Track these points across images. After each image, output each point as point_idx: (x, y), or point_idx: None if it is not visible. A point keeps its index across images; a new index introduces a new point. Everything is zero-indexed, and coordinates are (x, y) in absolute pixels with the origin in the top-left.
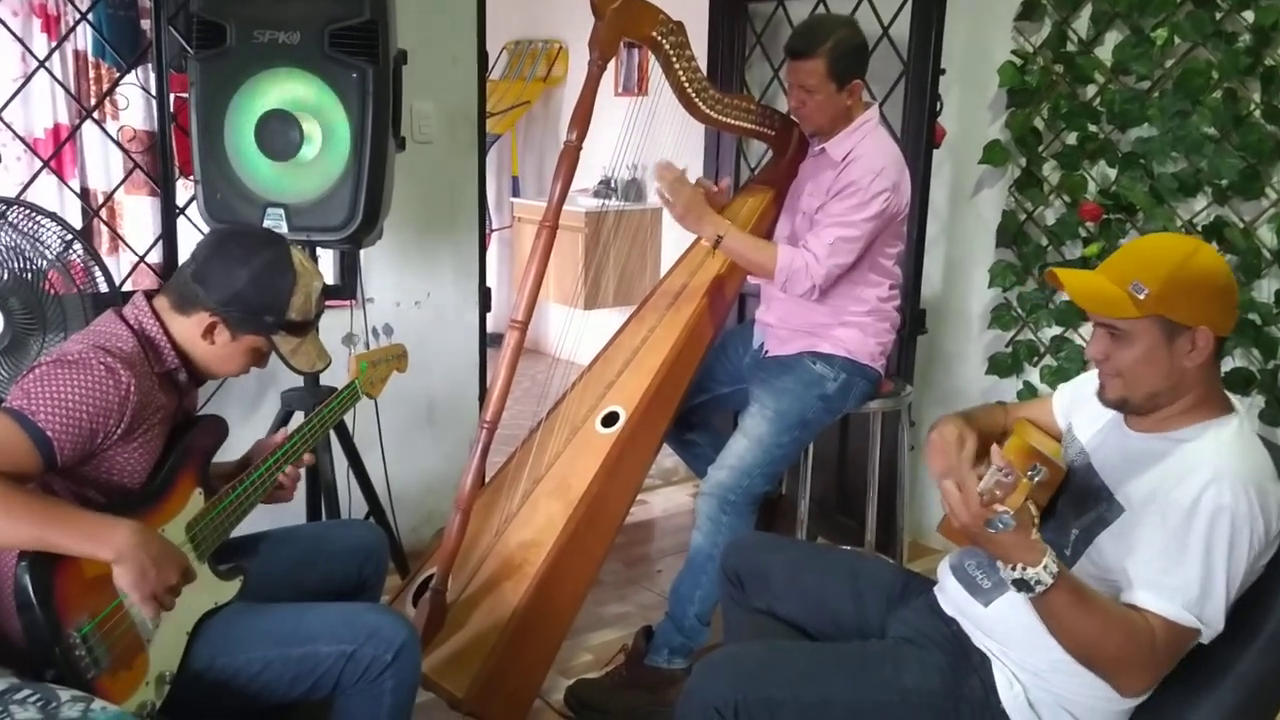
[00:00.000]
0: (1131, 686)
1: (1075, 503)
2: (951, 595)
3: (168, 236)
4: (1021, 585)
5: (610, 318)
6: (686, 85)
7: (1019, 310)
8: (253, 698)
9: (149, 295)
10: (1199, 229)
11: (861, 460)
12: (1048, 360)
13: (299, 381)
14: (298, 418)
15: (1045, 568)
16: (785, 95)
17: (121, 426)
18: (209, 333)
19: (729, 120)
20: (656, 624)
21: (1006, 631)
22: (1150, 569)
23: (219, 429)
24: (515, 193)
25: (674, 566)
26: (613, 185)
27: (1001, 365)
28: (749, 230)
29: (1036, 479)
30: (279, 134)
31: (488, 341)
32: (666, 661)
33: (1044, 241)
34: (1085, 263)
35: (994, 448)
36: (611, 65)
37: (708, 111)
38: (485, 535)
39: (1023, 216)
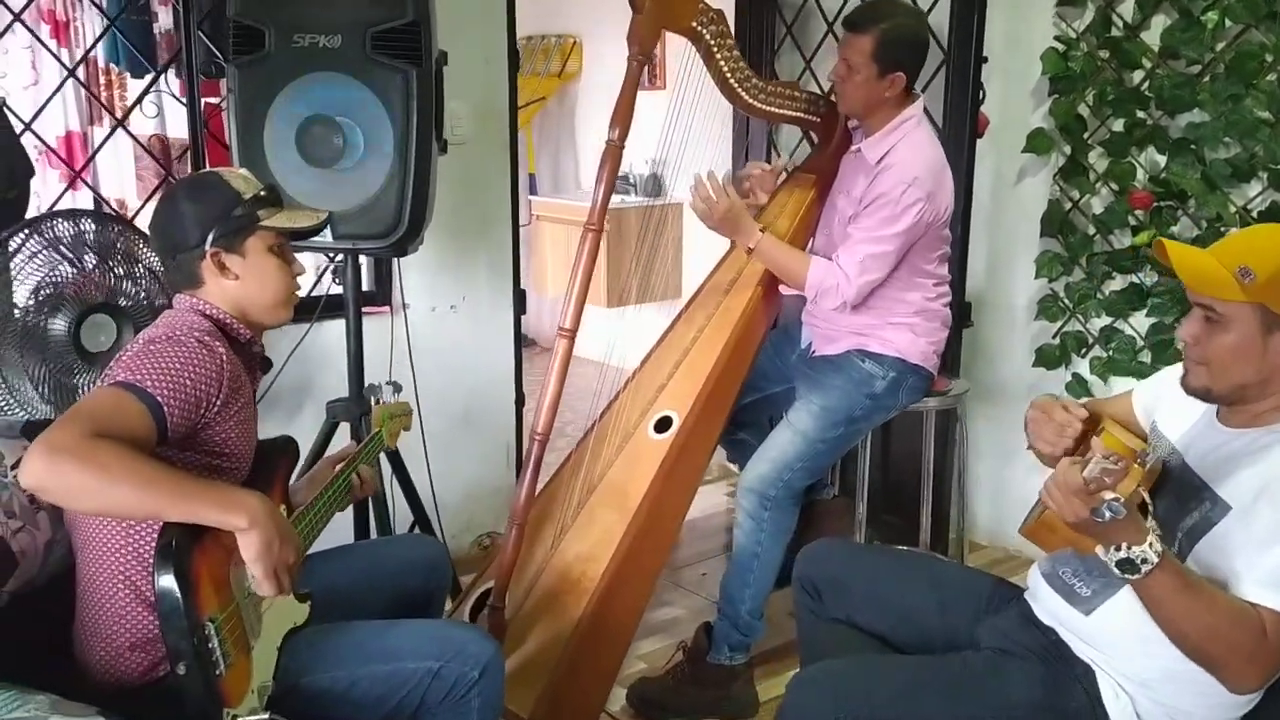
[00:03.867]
0: (1242, 681)
1: (1176, 504)
2: (1048, 604)
3: None
4: (1126, 565)
5: (634, 315)
6: (729, 75)
7: (1066, 301)
8: (340, 716)
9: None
10: (1254, 215)
11: (906, 458)
12: (1097, 351)
13: (344, 391)
14: (343, 429)
15: (1150, 545)
16: (818, 85)
17: (221, 396)
18: (223, 268)
19: (774, 109)
20: (714, 620)
21: (1110, 640)
22: (1261, 562)
23: (292, 448)
24: (532, 190)
25: (717, 568)
26: (631, 181)
27: (1049, 357)
28: (796, 222)
29: (1149, 465)
30: (321, 140)
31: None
32: (728, 659)
33: (1091, 230)
34: (1135, 252)
35: (1094, 439)
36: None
37: (751, 101)
38: (540, 548)
39: (1068, 205)
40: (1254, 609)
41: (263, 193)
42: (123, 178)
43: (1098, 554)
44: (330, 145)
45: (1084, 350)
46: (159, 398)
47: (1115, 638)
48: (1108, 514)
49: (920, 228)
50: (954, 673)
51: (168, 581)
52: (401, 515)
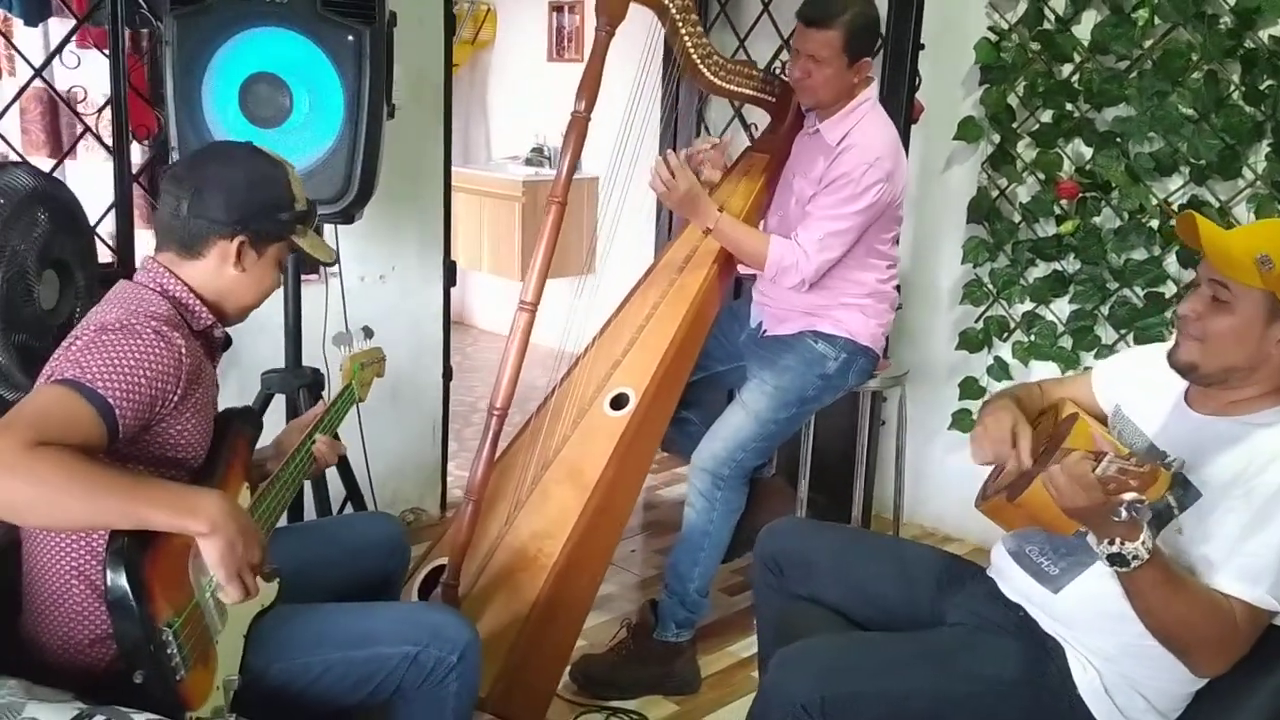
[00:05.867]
0: (1210, 668)
1: None
2: (1015, 582)
3: (122, 205)
4: (1116, 560)
5: (551, 290)
6: (692, 51)
7: (990, 286)
8: (311, 702)
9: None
10: (1175, 208)
11: (833, 438)
12: (1018, 336)
13: (279, 362)
14: (279, 400)
15: (1143, 543)
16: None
17: (179, 392)
18: (239, 259)
19: (732, 87)
20: (659, 598)
21: (1078, 618)
22: (1234, 554)
23: (254, 419)
24: None
25: (646, 545)
26: (546, 153)
27: (972, 340)
28: (750, 202)
29: (1174, 468)
30: (266, 99)
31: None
32: (674, 636)
33: (1017, 218)
34: (1059, 240)
35: (1098, 436)
36: (543, 29)
37: (712, 78)
38: (494, 524)
39: (995, 193)
40: (1227, 600)
41: (306, 209)
42: (7, 131)
43: (1089, 543)
44: (276, 104)
45: (1006, 334)
46: (110, 399)
47: (1082, 615)
48: (1126, 514)
49: (879, 207)
50: (931, 649)
51: (120, 590)
52: (332, 491)
